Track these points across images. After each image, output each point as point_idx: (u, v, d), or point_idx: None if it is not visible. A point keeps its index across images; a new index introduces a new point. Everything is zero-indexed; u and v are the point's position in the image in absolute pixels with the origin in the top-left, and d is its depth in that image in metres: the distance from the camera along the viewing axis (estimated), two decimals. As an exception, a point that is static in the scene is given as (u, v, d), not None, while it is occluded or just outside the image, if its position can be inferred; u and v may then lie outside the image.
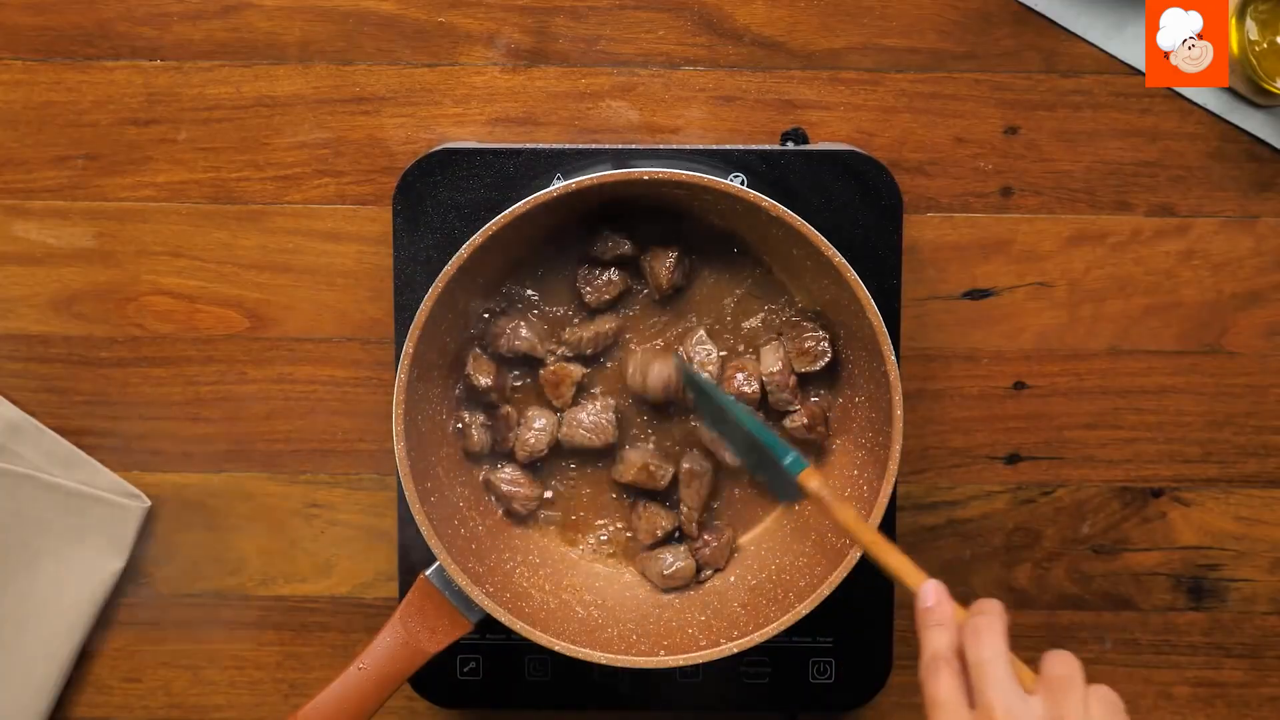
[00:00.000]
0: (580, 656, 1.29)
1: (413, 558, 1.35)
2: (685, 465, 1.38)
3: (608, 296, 1.36)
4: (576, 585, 1.38)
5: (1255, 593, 1.48)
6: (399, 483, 1.29)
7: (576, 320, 1.37)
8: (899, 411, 1.27)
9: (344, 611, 1.49)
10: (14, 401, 1.46)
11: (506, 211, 1.27)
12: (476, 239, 1.27)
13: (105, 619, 1.48)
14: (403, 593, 1.37)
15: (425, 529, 1.28)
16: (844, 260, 1.27)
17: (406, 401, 1.28)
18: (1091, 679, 1.49)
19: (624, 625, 1.34)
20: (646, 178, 1.28)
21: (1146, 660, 1.49)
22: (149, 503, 1.47)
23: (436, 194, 1.35)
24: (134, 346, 1.46)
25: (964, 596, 1.48)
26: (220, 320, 1.46)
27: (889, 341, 1.27)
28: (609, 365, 1.38)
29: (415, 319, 1.27)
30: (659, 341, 1.38)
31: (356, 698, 1.29)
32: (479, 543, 1.35)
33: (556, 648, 1.29)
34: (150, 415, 1.47)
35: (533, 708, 1.42)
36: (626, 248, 1.36)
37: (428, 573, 1.31)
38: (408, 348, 1.27)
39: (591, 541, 1.40)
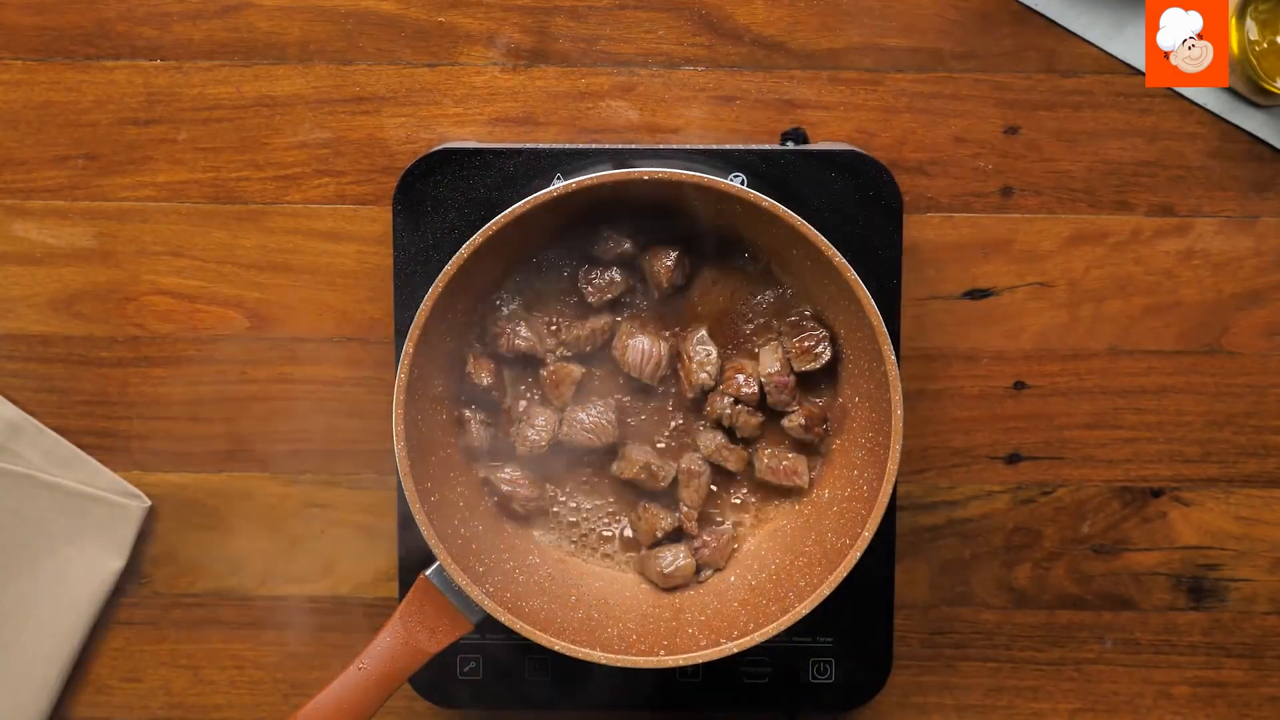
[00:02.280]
0: (580, 656, 1.29)
1: (413, 558, 1.35)
2: (685, 465, 1.38)
3: (609, 296, 1.36)
4: (576, 585, 1.38)
5: (1255, 593, 1.48)
6: (399, 483, 1.29)
7: (574, 319, 1.38)
8: (899, 411, 1.27)
9: (344, 611, 1.49)
10: (14, 401, 1.46)
11: (506, 211, 1.27)
12: (476, 239, 1.27)
13: (105, 619, 1.48)
14: (403, 593, 1.37)
15: (425, 529, 1.28)
16: (844, 260, 1.27)
17: (406, 402, 1.28)
18: (1091, 679, 1.50)
19: (624, 625, 1.34)
20: (646, 178, 1.28)
21: (1146, 660, 1.48)
22: (149, 503, 1.47)
23: (436, 194, 1.35)
24: (134, 346, 1.46)
25: (964, 596, 1.49)
26: (220, 320, 1.46)
27: (889, 341, 1.27)
28: (608, 362, 1.38)
29: (415, 319, 1.27)
30: (650, 327, 1.38)
31: (356, 698, 1.29)
32: (479, 542, 1.34)
33: (556, 647, 1.29)
34: (150, 415, 1.47)
35: (533, 708, 1.42)
36: (627, 247, 1.35)
37: (428, 573, 1.31)
38: (408, 348, 1.27)
39: (591, 541, 1.40)
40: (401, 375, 1.28)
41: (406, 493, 1.28)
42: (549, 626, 1.31)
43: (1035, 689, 1.49)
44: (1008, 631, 1.48)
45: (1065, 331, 1.46)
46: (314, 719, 1.29)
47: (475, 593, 1.29)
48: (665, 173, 1.28)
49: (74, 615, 1.46)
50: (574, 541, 1.40)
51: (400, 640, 1.30)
